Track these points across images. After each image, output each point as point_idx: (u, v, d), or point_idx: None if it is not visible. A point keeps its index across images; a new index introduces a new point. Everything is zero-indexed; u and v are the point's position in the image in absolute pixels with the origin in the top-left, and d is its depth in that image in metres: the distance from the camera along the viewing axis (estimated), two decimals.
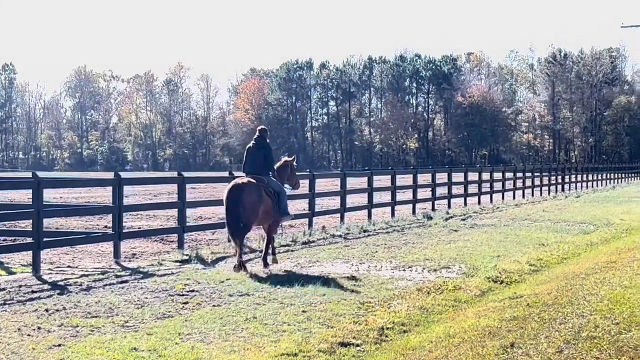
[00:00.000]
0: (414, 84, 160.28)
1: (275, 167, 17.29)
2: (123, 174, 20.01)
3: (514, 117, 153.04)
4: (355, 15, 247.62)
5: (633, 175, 71.20)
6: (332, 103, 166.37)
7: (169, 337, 10.12)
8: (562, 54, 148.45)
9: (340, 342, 10.12)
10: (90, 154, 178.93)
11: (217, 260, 17.46)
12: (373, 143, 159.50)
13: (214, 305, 12.17)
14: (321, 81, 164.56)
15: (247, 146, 17.02)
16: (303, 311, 11.79)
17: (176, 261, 17.30)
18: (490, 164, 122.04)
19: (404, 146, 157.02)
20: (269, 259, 16.48)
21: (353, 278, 14.93)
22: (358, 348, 10.04)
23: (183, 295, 13.04)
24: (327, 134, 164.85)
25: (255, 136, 17.05)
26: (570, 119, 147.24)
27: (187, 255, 17.87)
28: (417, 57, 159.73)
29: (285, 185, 17.62)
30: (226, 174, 21.71)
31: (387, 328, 11.04)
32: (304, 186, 21.97)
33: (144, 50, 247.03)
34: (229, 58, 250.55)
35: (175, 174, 19.95)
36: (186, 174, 20.16)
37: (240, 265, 15.62)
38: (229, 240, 17.46)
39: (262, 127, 17.74)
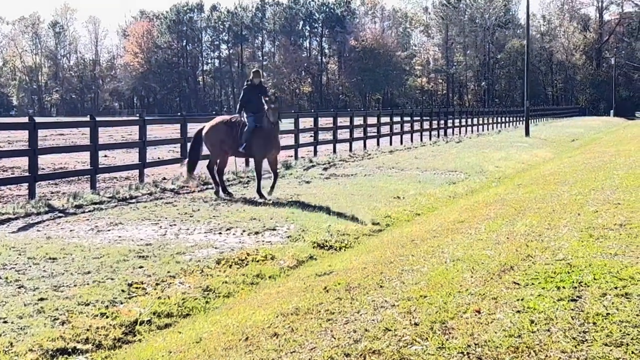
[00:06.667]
0: (307, 27, 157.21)
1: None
2: None
3: (408, 61, 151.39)
4: None
5: (522, 118, 69.74)
6: (223, 46, 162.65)
7: None
8: None
9: (60, 349, 7.44)
10: None
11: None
12: (266, 87, 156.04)
13: None
14: (212, 24, 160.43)
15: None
16: (40, 299, 8.94)
17: None
18: (384, 108, 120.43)
19: (298, 90, 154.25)
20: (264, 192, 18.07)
21: (147, 246, 12.18)
22: (80, 358, 7.32)
23: None
24: (219, 78, 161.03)
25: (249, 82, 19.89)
26: (464, 62, 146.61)
27: None
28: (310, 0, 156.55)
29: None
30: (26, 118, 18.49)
31: (143, 322, 8.39)
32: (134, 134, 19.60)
33: None
34: None
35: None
36: None
37: (218, 192, 18.36)
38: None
39: (256, 68, 20.60)
